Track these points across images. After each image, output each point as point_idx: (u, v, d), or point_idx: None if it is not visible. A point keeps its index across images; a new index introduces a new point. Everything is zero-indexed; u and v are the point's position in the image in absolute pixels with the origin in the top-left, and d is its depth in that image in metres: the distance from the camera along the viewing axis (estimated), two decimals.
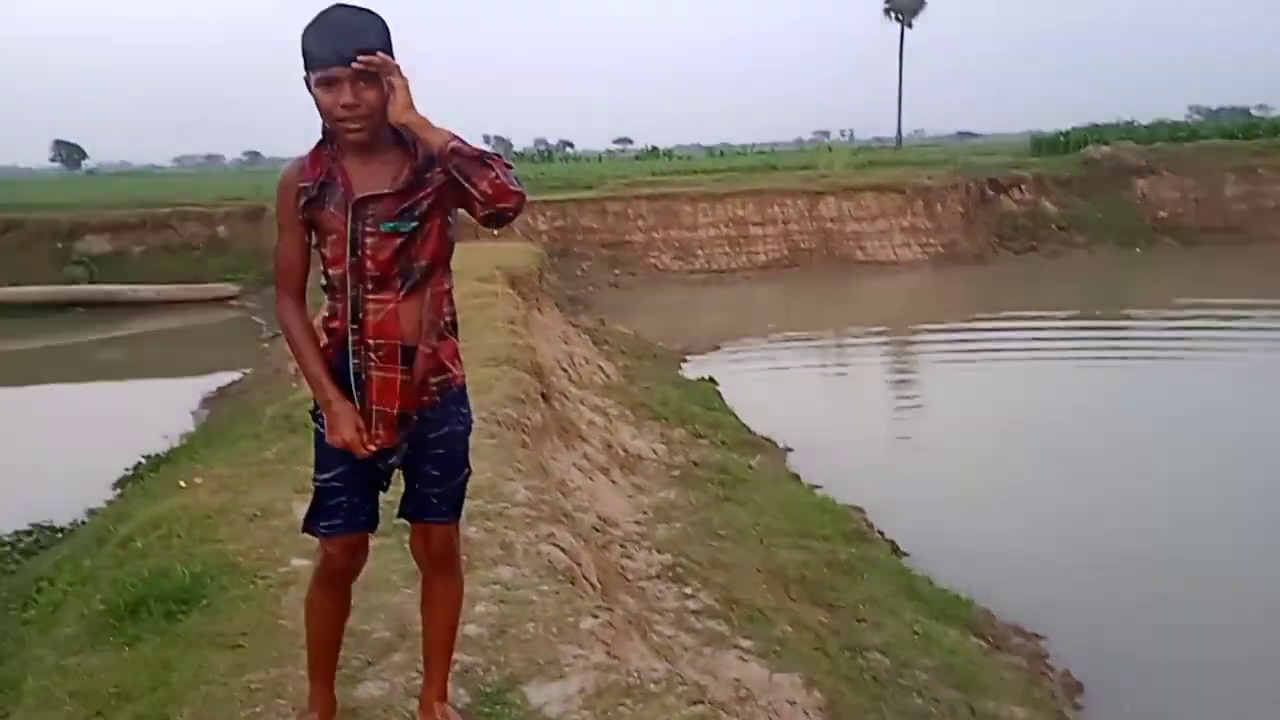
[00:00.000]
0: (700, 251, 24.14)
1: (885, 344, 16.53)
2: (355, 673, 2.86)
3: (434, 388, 2.29)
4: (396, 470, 2.37)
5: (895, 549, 6.88)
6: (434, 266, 2.25)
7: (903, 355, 15.99)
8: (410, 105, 2.11)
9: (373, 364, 2.23)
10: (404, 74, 2.12)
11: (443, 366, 2.30)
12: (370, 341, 2.23)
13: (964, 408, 11.34)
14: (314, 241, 2.27)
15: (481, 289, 9.21)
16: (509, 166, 2.11)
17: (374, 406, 2.24)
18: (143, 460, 8.77)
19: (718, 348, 15.08)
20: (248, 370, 12.40)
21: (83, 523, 7.30)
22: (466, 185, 2.08)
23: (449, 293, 2.31)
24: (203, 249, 22.43)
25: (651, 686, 2.77)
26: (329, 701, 2.52)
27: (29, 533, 7.27)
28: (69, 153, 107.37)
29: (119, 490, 8.18)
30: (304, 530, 2.38)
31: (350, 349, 2.24)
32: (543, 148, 67.39)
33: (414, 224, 2.19)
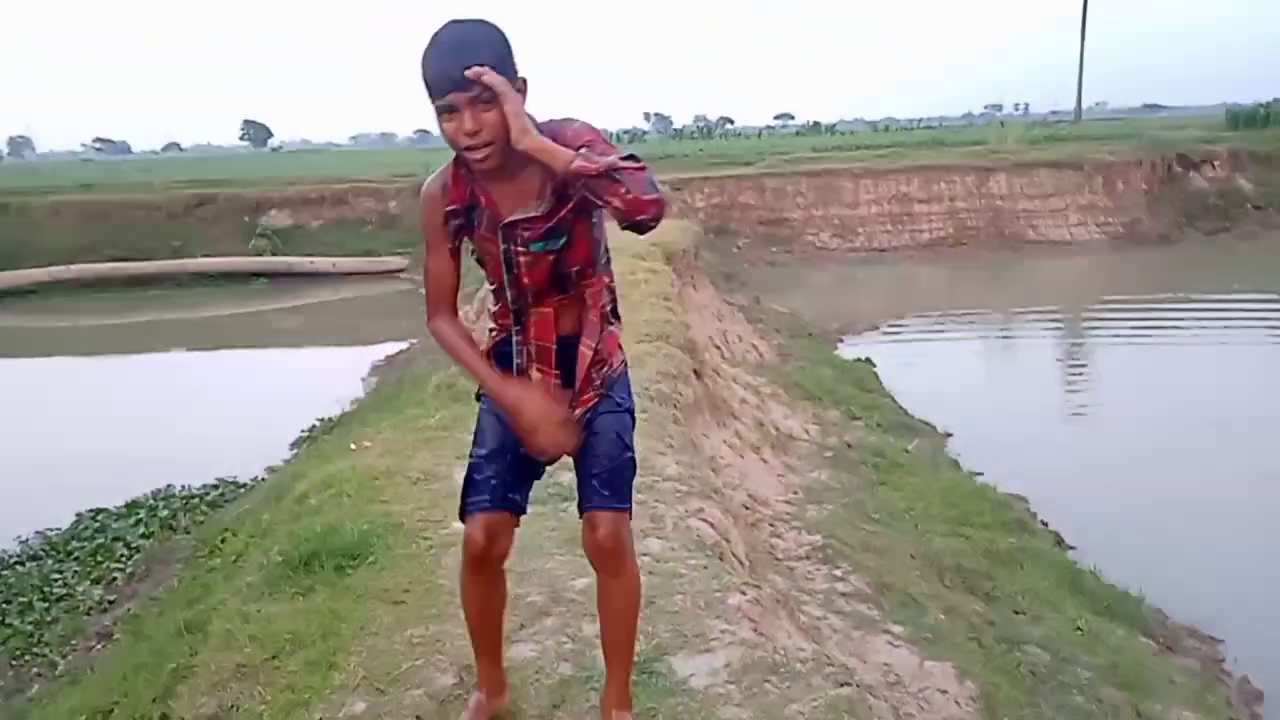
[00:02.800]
0: (861, 229, 23.60)
1: (1056, 326, 15.80)
2: (509, 634, 2.95)
3: (598, 382, 2.27)
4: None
5: (1059, 541, 6.61)
6: (585, 268, 2.22)
7: (1074, 337, 15.25)
8: (525, 130, 2.00)
9: (532, 362, 2.26)
10: (514, 94, 2.00)
11: (605, 361, 2.28)
12: (531, 341, 2.25)
13: (1141, 393, 10.73)
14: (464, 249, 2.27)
15: (637, 265, 9.30)
16: (641, 168, 1.98)
17: None
18: (317, 423, 9.30)
19: (876, 328, 14.76)
20: (414, 340, 12.92)
21: (262, 479, 7.82)
22: (599, 203, 2.01)
23: (609, 285, 2.30)
24: (374, 224, 23.48)
25: (798, 666, 2.76)
26: (497, 680, 2.53)
27: (215, 487, 7.85)
28: (256, 131, 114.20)
29: (295, 450, 8.71)
30: (460, 516, 2.34)
31: (515, 347, 2.27)
32: (702, 124, 67.19)
33: (563, 239, 2.16)
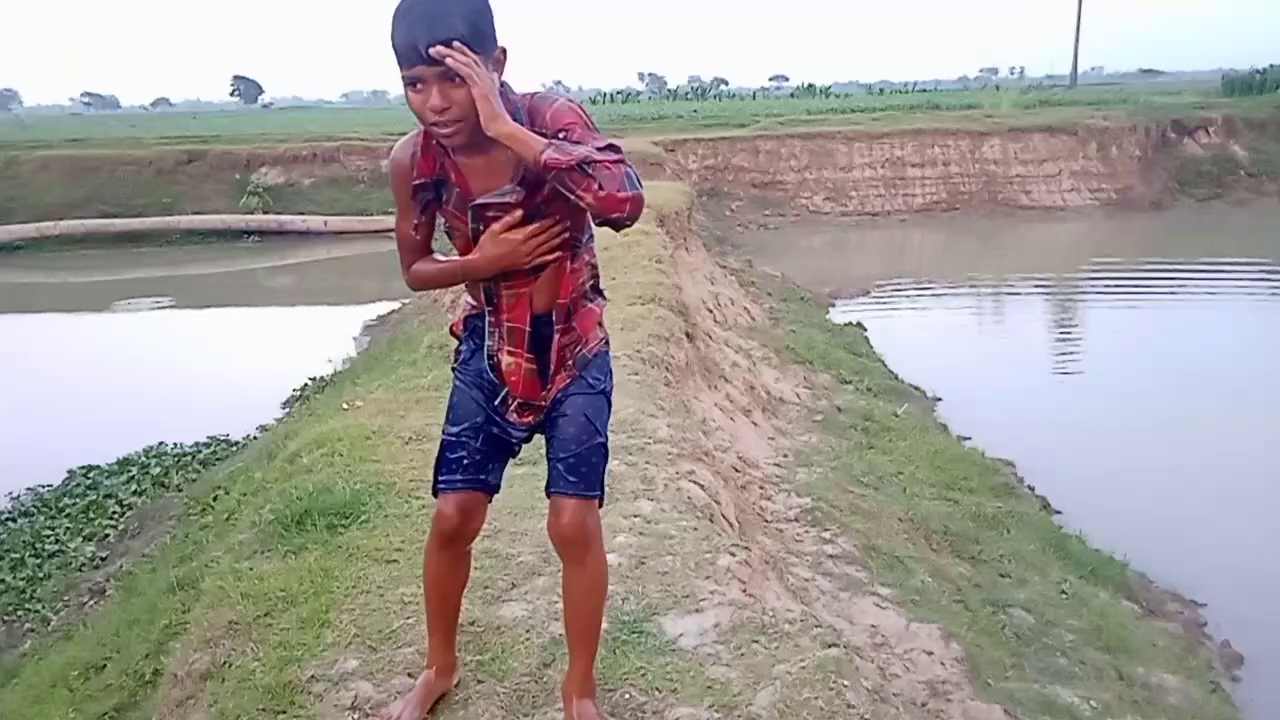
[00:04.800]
0: (854, 193, 23.50)
1: (1046, 292, 15.82)
2: (501, 593, 2.98)
3: (570, 362, 2.18)
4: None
5: (1046, 505, 6.66)
6: (562, 246, 2.09)
7: (1064, 303, 15.27)
8: (493, 116, 1.85)
9: (504, 345, 2.16)
10: (485, 75, 1.86)
11: (580, 340, 2.18)
12: (504, 322, 2.15)
13: (1130, 358, 10.77)
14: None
15: (630, 227, 9.25)
16: (619, 161, 1.85)
17: (510, 390, 2.18)
18: (309, 382, 9.30)
19: (868, 292, 14.76)
20: (407, 300, 12.88)
21: (254, 437, 7.83)
22: (571, 198, 1.88)
23: (590, 262, 2.20)
24: (366, 182, 23.26)
25: (786, 626, 2.78)
26: (447, 660, 2.46)
27: (207, 444, 7.86)
28: (247, 88, 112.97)
29: (287, 409, 8.71)
30: (432, 492, 2.27)
31: (487, 327, 2.18)
32: (696, 85, 66.71)
33: (534, 222, 2.04)
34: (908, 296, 14.84)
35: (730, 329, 9.39)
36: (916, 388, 9.25)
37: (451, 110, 1.89)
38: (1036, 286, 15.92)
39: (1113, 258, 17.19)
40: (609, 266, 7.83)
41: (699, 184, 21.68)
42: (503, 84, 1.95)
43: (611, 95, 50.50)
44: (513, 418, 2.21)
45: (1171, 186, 23.99)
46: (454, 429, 2.23)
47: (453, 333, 2.30)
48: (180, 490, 6.80)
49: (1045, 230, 21.90)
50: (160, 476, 7.18)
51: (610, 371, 2.26)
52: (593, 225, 2.12)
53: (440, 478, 2.23)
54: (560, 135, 1.90)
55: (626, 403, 4.71)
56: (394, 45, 1.88)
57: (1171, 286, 14.65)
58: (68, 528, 6.40)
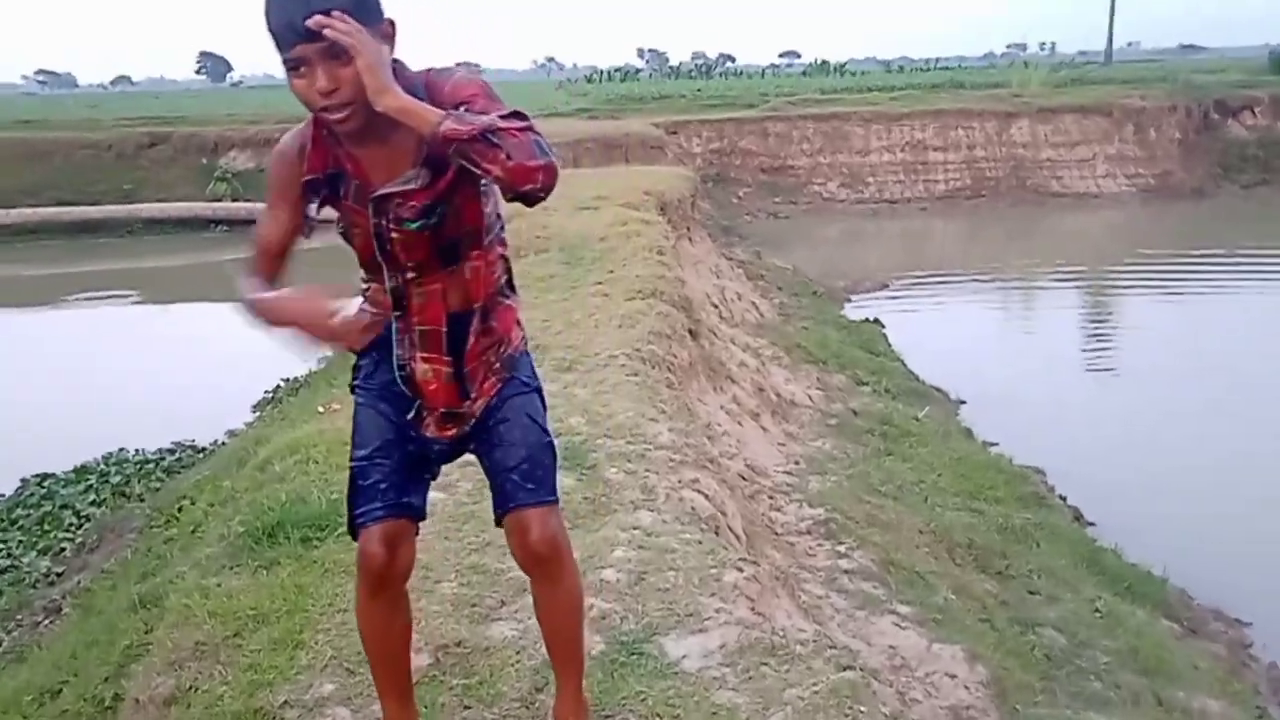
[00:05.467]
0: (871, 179, 23.54)
1: (1079, 287, 15.84)
2: (489, 611, 2.99)
3: (496, 364, 2.12)
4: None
5: (1078, 516, 6.67)
6: (474, 234, 2.06)
7: (1098, 298, 15.30)
8: (384, 88, 1.81)
9: (417, 352, 2.08)
10: (371, 44, 1.81)
11: (501, 340, 2.13)
12: (415, 327, 2.08)
13: (1170, 359, 10.76)
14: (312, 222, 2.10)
15: (629, 216, 9.27)
16: (526, 128, 1.81)
17: (422, 401, 2.10)
18: (282, 383, 9.30)
19: (886, 286, 14.77)
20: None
21: (223, 443, 7.82)
22: (476, 171, 1.84)
23: (502, 255, 2.15)
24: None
25: (798, 648, 2.78)
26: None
27: (172, 451, 7.86)
28: (215, 65, 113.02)
29: (258, 412, 8.71)
30: (349, 531, 2.14)
31: (395, 334, 2.09)
32: (700, 62, 66.80)
33: (440, 210, 1.99)
34: (929, 291, 14.85)
35: (737, 326, 9.39)
36: (938, 389, 9.25)
37: (341, 91, 1.84)
38: (1068, 280, 15.94)
39: (1152, 252, 17.19)
40: (606, 258, 7.84)
41: (703, 169, 21.70)
42: (395, 61, 1.92)
43: (609, 73, 50.58)
44: (431, 431, 2.12)
45: (1214, 172, 24.02)
46: (363, 452, 2.11)
47: (351, 389, 2.22)
48: (142, 500, 6.79)
49: (1078, 219, 21.91)
50: (121, 485, 7.17)
51: (535, 370, 2.23)
52: (502, 218, 2.11)
53: (357, 511, 2.10)
54: (461, 108, 1.86)
55: (625, 405, 4.71)
56: (270, 27, 1.83)
57: (1214, 279, 14.68)
58: (20, 541, 6.40)
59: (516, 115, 1.83)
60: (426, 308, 2.07)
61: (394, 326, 2.09)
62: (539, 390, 2.19)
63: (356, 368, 2.21)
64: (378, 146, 1.96)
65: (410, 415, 2.12)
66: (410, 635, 2.29)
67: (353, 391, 2.21)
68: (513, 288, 2.21)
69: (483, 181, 1.98)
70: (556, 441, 2.21)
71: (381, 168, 1.97)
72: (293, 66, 1.85)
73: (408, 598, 2.25)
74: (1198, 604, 5.66)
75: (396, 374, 2.11)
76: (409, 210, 1.98)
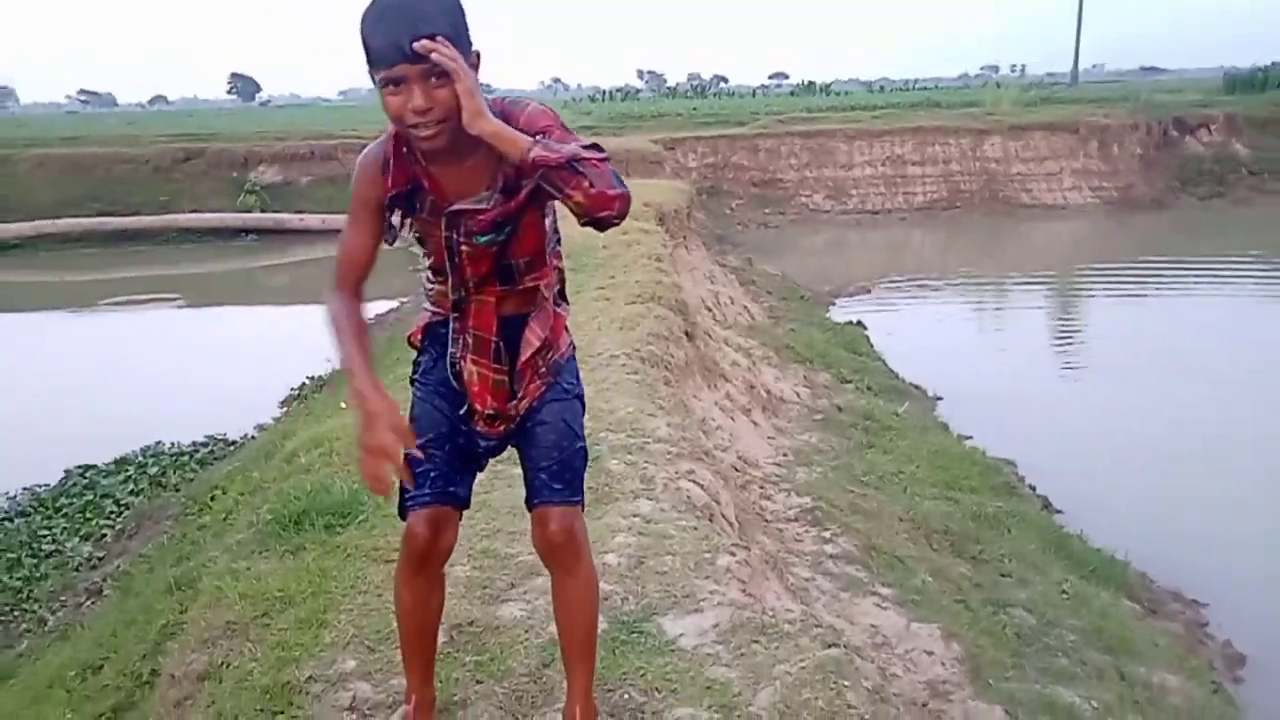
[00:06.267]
0: (854, 191, 23.51)
1: (1047, 291, 15.82)
2: (499, 593, 2.99)
3: (544, 369, 2.12)
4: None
5: (1047, 505, 6.66)
6: (534, 259, 2.07)
7: (1066, 303, 15.28)
8: (478, 112, 1.81)
9: (468, 354, 2.09)
10: (469, 71, 1.82)
11: (550, 346, 2.13)
12: (470, 330, 2.09)
13: (1131, 357, 10.74)
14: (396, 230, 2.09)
15: (629, 225, 9.25)
16: (605, 159, 1.83)
17: (472, 402, 2.10)
18: (307, 381, 9.29)
19: (868, 291, 14.75)
20: (405, 299, 12.87)
21: (252, 437, 7.83)
22: (558, 197, 1.85)
23: (558, 267, 2.16)
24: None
25: (786, 626, 2.78)
26: (426, 696, 2.32)
27: (205, 444, 7.85)
28: (244, 85, 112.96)
29: (285, 408, 8.71)
30: (399, 513, 2.16)
31: (451, 335, 2.12)
32: (696, 82, 66.73)
33: (509, 230, 2.00)
34: (908, 295, 14.84)
35: (730, 328, 9.38)
36: (917, 387, 9.25)
37: (434, 111, 1.83)
38: (1038, 285, 15.92)
39: (1114, 259, 17.19)
40: (608, 265, 7.84)
41: (698, 182, 21.68)
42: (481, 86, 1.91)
43: (611, 93, 50.51)
44: (480, 427, 2.12)
45: (1173, 185, 23.97)
46: (418, 441, 2.08)
47: (410, 342, 2.22)
48: (178, 490, 6.79)
49: (1046, 229, 21.90)
50: (158, 476, 7.17)
51: (579, 376, 2.23)
52: (559, 231, 2.13)
53: (407, 496, 2.12)
54: (538, 137, 1.86)
55: (625, 402, 4.71)
56: (369, 45, 1.82)
57: (1173, 284, 14.66)
58: (64, 528, 6.40)
59: (595, 147, 1.84)
60: (481, 314, 2.08)
61: (451, 327, 2.12)
62: (579, 397, 2.19)
63: (416, 364, 2.23)
64: (455, 165, 1.96)
65: (462, 411, 2.13)
66: (441, 614, 2.31)
67: (412, 384, 2.22)
68: (564, 297, 2.21)
69: (545, 210, 2.03)
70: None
71: (456, 185, 1.98)
72: (388, 83, 1.83)
73: (444, 580, 2.27)
74: (1157, 586, 5.65)
75: (449, 371, 2.12)
76: (479, 225, 1.98)
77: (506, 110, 1.91)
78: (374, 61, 1.83)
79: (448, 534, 2.14)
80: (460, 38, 1.83)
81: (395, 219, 2.06)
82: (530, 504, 2.13)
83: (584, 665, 2.23)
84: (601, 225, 1.86)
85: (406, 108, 1.83)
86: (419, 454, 2.02)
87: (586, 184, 1.80)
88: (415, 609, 2.22)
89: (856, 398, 8.24)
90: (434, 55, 1.77)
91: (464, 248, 2.01)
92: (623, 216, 1.85)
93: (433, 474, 2.09)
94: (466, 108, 1.81)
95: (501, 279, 2.07)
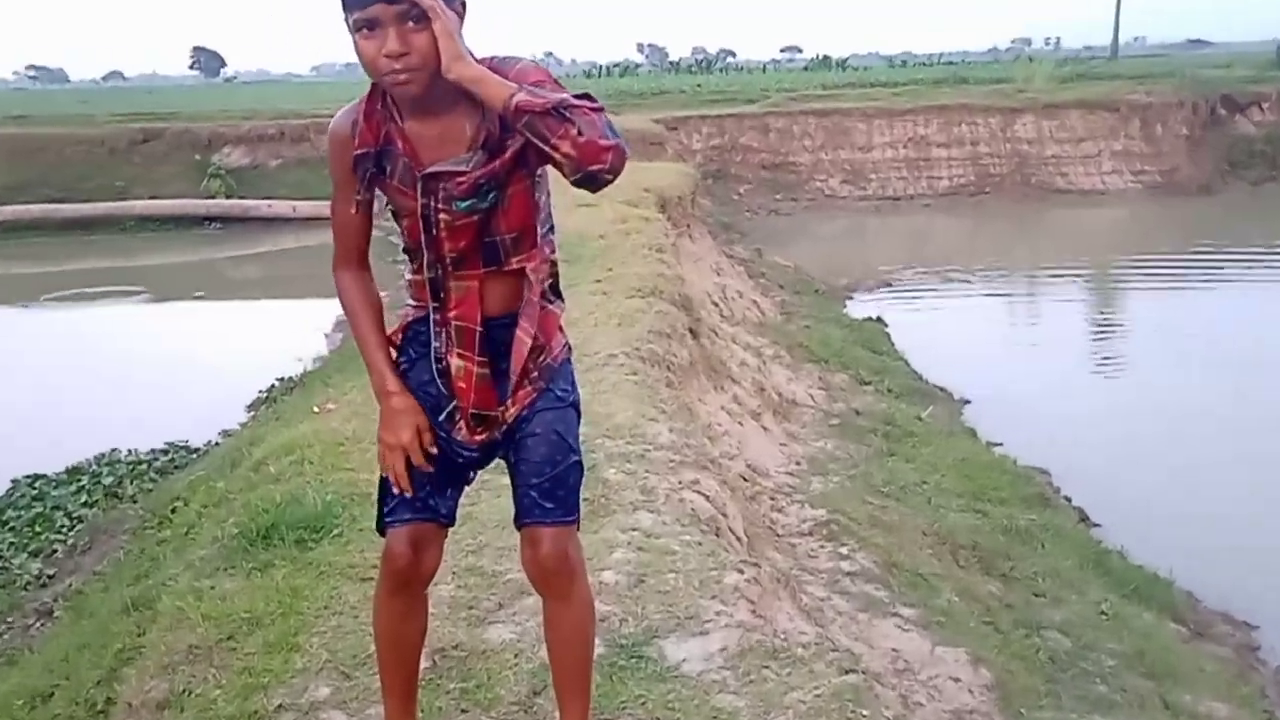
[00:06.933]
0: (874, 175, 23.54)
1: (1084, 284, 15.84)
2: (487, 614, 2.99)
3: (535, 374, 2.07)
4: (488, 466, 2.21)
5: (1084, 517, 6.67)
6: (522, 236, 2.02)
7: (1104, 296, 15.31)
8: (457, 55, 1.80)
9: (452, 348, 2.05)
10: (449, 12, 1.82)
11: (541, 348, 2.08)
12: (452, 321, 2.05)
13: (1174, 357, 10.75)
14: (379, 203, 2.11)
15: (628, 213, 9.27)
16: (599, 109, 1.80)
17: (455, 401, 2.07)
18: (276, 383, 9.28)
19: (889, 284, 14.78)
20: (384, 293, 12.86)
21: (216, 444, 7.82)
22: (544, 148, 1.80)
23: (549, 258, 2.10)
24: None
25: (799, 650, 2.79)
26: None
27: (165, 451, 7.84)
28: (208, 60, 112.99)
29: (252, 413, 8.70)
30: (378, 529, 2.16)
31: (432, 328, 2.07)
32: (701, 57, 66.67)
33: (491, 195, 1.95)
34: (932, 289, 14.85)
35: (738, 324, 9.39)
36: (942, 389, 9.26)
37: (410, 56, 1.83)
38: (1074, 277, 15.94)
39: (1158, 245, 17.21)
40: (605, 256, 7.85)
41: (704, 165, 21.70)
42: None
43: (608, 68, 50.60)
44: (462, 435, 2.08)
45: (1222, 168, 24.02)
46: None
47: (390, 342, 2.17)
48: (135, 501, 6.79)
49: (1083, 216, 21.91)
50: (113, 486, 7.16)
51: (575, 381, 2.18)
52: (552, 217, 2.09)
53: (386, 511, 2.11)
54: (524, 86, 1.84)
55: (624, 405, 4.71)
56: None
57: (1221, 276, 14.68)
58: (11, 542, 6.39)
59: (587, 97, 1.82)
60: (463, 302, 2.04)
61: (431, 320, 2.07)
62: (574, 405, 2.15)
63: (395, 364, 2.16)
64: (432, 123, 1.94)
65: (442, 418, 2.09)
66: (424, 639, 2.29)
67: None
68: (558, 293, 2.16)
69: (535, 176, 1.99)
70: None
71: (433, 147, 1.95)
72: (362, 27, 1.84)
73: (427, 602, 2.25)
74: (1204, 606, 5.66)
75: (434, 367, 2.09)
76: (460, 189, 1.94)
77: (495, 67, 1.89)
78: (347, 3, 1.84)
79: (430, 555, 2.13)
80: None
81: (361, 186, 2.03)
82: (519, 523, 2.11)
83: (579, 699, 2.21)
84: (595, 183, 1.82)
85: (380, 53, 1.83)
86: (430, 458, 2.05)
87: (575, 132, 1.76)
88: (394, 633, 2.20)
89: (876, 401, 8.24)
90: None
91: (442, 216, 1.97)
92: (616, 172, 1.80)
93: (416, 486, 2.07)
94: (444, 49, 1.81)
95: (486, 258, 2.02)
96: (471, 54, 1.87)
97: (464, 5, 1.91)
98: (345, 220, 2.09)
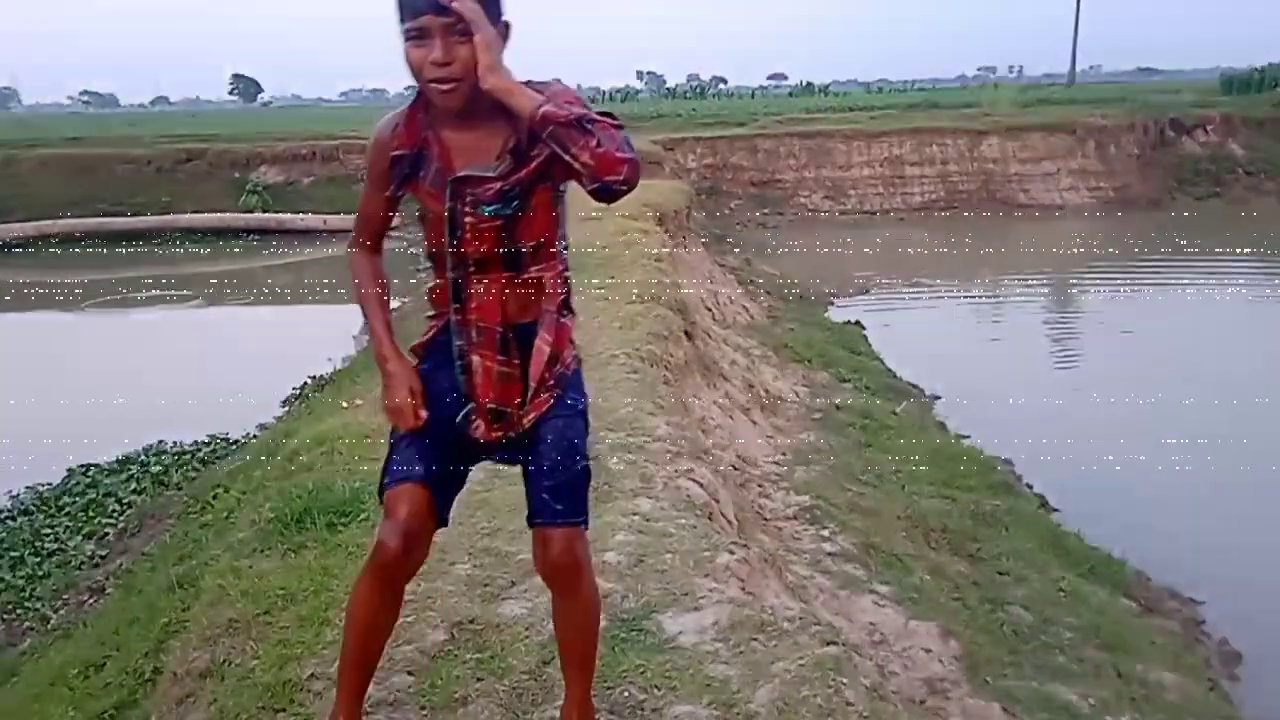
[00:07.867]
0: (853, 192, 23.54)
1: (1045, 290, 15.82)
2: (500, 591, 2.98)
3: (551, 382, 2.05)
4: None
5: (1044, 503, 6.67)
6: (541, 247, 2.00)
7: (1062, 301, 15.29)
8: (493, 67, 1.82)
9: (473, 346, 2.03)
10: (490, 29, 1.84)
11: (555, 357, 2.06)
12: (473, 322, 2.02)
13: (1126, 356, 10.78)
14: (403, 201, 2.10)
15: (629, 226, 9.26)
16: (619, 127, 1.81)
17: (475, 395, 2.04)
18: (309, 380, 9.29)
19: (866, 291, 14.76)
20: (405, 300, 12.86)
21: (254, 436, 7.82)
22: (565, 157, 1.80)
23: (562, 273, 2.07)
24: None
25: (785, 624, 2.78)
26: None
27: (207, 443, 7.86)
28: (246, 86, 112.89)
29: (287, 408, 8.71)
30: (378, 493, 2.09)
31: (453, 327, 2.04)
32: (695, 83, 66.63)
33: (516, 203, 1.94)
34: (906, 295, 14.84)
35: (729, 327, 9.38)
36: (915, 386, 9.25)
37: (453, 67, 1.85)
38: (1035, 284, 15.92)
39: (1111, 255, 17.21)
40: (608, 265, 7.84)
41: (698, 183, 21.69)
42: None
43: (610, 94, 50.47)
44: (479, 433, 2.05)
45: (1170, 185, 24.03)
46: (407, 438, 2.07)
47: (414, 351, 2.15)
48: (180, 488, 6.79)
49: (1043, 229, 21.89)
50: (160, 475, 7.17)
51: (585, 389, 2.16)
52: (567, 236, 2.06)
53: (393, 469, 2.05)
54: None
55: (625, 401, 4.70)
56: None
57: (1169, 281, 14.67)
58: (67, 526, 6.40)
59: (609, 115, 1.84)
60: (484, 304, 2.01)
61: (452, 321, 2.04)
62: (584, 413, 2.12)
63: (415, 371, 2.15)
64: (467, 132, 1.95)
65: (459, 418, 2.06)
66: (389, 634, 2.20)
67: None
68: (570, 308, 2.13)
69: (557, 189, 1.98)
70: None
71: (465, 153, 1.95)
72: (413, 35, 1.86)
73: (402, 600, 2.17)
74: (1154, 584, 5.65)
75: (457, 365, 2.05)
76: (486, 194, 1.94)
77: (531, 86, 1.90)
78: (402, 12, 1.87)
79: (418, 551, 2.06)
80: (490, 3, 1.87)
81: (394, 185, 2.03)
82: (532, 523, 2.07)
83: (583, 675, 2.21)
84: (610, 194, 1.82)
85: (427, 60, 1.85)
86: (423, 420, 2.04)
87: (594, 143, 1.77)
88: (369, 623, 2.11)
89: (855, 397, 8.24)
90: (455, 5, 1.81)
91: (468, 219, 1.95)
92: (630, 184, 1.81)
93: (419, 456, 2.03)
94: (481, 61, 1.82)
95: (506, 263, 2.00)
96: (510, 72, 1.88)
97: (508, 27, 1.93)
98: (371, 211, 2.13)
